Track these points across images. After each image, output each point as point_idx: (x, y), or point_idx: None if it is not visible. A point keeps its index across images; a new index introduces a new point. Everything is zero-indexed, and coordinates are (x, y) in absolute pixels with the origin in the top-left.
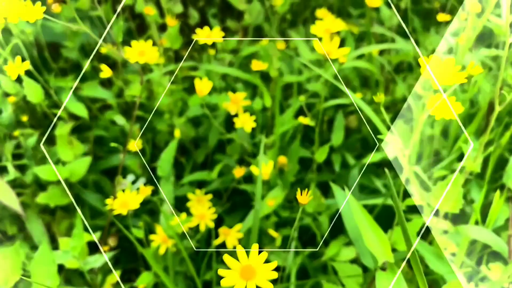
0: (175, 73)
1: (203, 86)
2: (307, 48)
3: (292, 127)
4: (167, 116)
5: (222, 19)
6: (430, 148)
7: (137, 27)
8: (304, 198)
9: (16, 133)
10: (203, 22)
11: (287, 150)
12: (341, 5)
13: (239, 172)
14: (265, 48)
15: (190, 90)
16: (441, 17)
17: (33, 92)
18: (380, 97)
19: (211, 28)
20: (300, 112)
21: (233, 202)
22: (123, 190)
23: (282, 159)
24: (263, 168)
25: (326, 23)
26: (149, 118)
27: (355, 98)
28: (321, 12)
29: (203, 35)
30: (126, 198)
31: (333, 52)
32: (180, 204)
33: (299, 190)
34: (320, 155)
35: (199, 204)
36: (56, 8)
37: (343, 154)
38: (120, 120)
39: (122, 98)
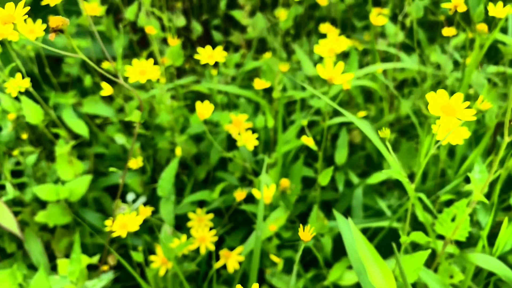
0: (176, 89)
1: (204, 109)
2: (310, 63)
3: (295, 147)
4: (168, 134)
5: (225, 30)
6: (435, 169)
7: (139, 39)
8: (306, 235)
9: (15, 152)
10: (206, 34)
11: (289, 169)
12: (345, 17)
13: (240, 195)
14: (268, 62)
15: (192, 106)
16: (447, 31)
17: (32, 113)
18: (386, 132)
19: (213, 41)
20: (303, 129)
21: (235, 220)
22: (123, 214)
23: (285, 182)
24: (265, 191)
25: (330, 42)
26: (150, 135)
27: (356, 119)
28: (324, 27)
29: (205, 54)
30: (126, 220)
31: (336, 78)
32: (181, 222)
33: (301, 226)
34: (324, 178)
35: (199, 223)
36: (52, 37)
37: (347, 172)
38: (120, 139)
39: (123, 113)
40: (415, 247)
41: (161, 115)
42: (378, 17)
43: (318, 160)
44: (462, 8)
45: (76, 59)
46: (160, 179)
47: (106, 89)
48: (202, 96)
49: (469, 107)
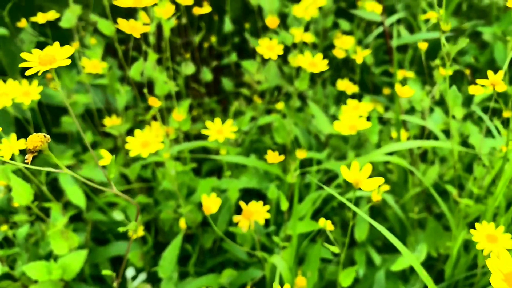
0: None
1: (211, 203)
2: (325, 119)
3: (311, 230)
4: (172, 203)
5: (236, 73)
6: (467, 257)
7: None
8: None
9: (4, 228)
10: (216, 81)
11: (305, 249)
12: (365, 66)
13: None
14: (280, 119)
15: (199, 167)
16: (473, 89)
17: (21, 193)
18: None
19: (223, 90)
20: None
21: None
22: None
23: (301, 281)
24: None
25: (351, 120)
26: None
27: (365, 216)
28: (342, 84)
29: (214, 129)
30: None
31: (363, 183)
32: None
33: None
34: (345, 279)
35: None
36: (29, 159)
37: (367, 249)
38: (118, 215)
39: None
40: None
41: (164, 183)
42: (404, 88)
43: (338, 244)
44: (501, 88)
45: (76, 114)
46: (162, 258)
47: (106, 158)
48: (209, 151)
49: None
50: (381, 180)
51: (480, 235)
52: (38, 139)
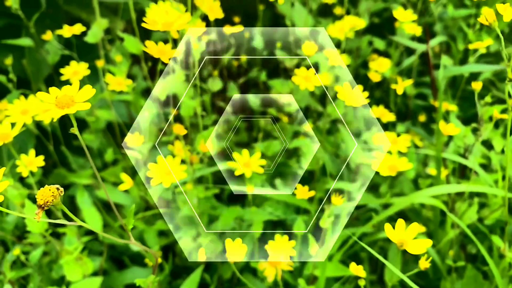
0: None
1: (236, 249)
2: (358, 146)
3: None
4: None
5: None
6: None
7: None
8: None
9: (16, 251)
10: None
11: None
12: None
13: None
14: (307, 143)
15: (221, 192)
16: None
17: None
18: None
19: (250, 107)
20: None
21: None
22: None
23: None
24: None
25: (390, 159)
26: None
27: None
28: (377, 111)
29: (241, 161)
30: None
31: (408, 243)
32: None
33: None
34: None
35: None
36: (39, 215)
37: None
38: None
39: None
40: None
41: (184, 210)
42: (449, 125)
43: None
44: None
45: (97, 130)
46: None
47: (127, 182)
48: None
49: None
50: (429, 242)
51: None
52: (49, 194)
